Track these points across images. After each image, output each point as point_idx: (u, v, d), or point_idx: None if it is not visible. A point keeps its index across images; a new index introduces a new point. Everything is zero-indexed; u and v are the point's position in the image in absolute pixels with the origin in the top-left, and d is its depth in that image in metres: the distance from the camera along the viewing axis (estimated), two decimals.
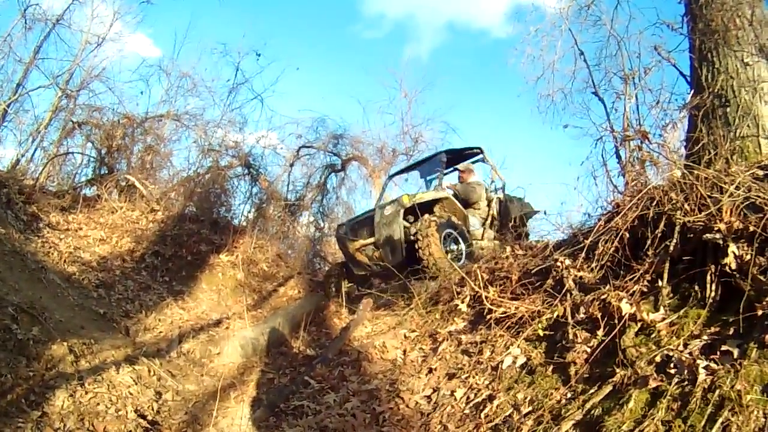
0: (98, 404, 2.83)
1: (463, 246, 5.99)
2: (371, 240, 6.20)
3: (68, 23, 10.09)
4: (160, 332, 4.69)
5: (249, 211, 10.10)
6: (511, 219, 6.40)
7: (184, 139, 10.65)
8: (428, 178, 7.59)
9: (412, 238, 5.79)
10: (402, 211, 5.96)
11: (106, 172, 8.96)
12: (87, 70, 10.05)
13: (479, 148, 7.27)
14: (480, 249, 6.29)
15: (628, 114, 4.13)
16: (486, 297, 3.26)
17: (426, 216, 5.75)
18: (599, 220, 2.93)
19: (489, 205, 6.94)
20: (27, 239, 5.17)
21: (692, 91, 3.54)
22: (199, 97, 11.17)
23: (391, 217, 6.01)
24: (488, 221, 6.76)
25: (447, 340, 3.42)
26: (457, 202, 6.43)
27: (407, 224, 6.06)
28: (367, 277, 6.63)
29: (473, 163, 7.47)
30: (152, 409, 3.00)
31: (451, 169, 7.40)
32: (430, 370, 3.19)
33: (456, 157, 7.31)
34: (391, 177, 8.71)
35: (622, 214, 2.67)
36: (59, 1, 10.30)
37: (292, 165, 10.69)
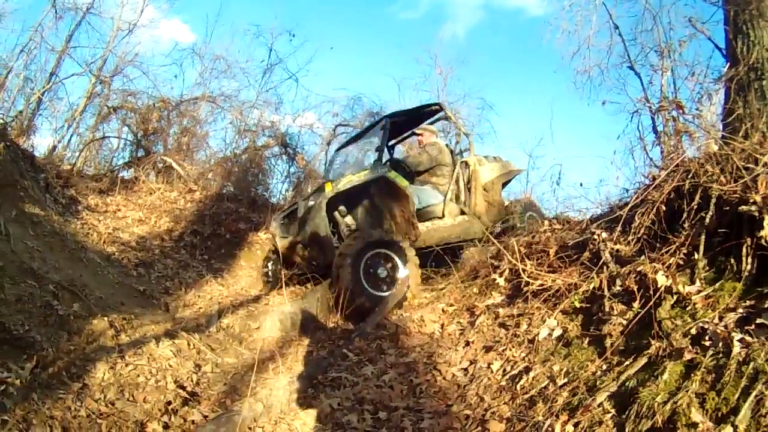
0: (138, 376, 2.93)
1: (398, 262, 4.79)
2: (300, 238, 5.37)
3: (98, 11, 10.25)
4: (200, 308, 4.83)
5: (287, 190, 10.21)
6: (480, 185, 5.78)
7: (220, 120, 11.00)
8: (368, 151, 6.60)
9: (345, 231, 5.15)
10: (324, 202, 5.03)
11: (144, 154, 9.19)
12: (120, 56, 10.20)
13: (437, 104, 6.31)
14: (434, 231, 5.43)
15: (664, 87, 4.03)
16: (523, 270, 3.29)
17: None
18: (636, 193, 2.91)
19: (456, 173, 5.88)
20: (66, 221, 5.32)
21: (728, 64, 3.44)
22: (234, 79, 11.23)
23: (314, 210, 5.11)
24: (451, 193, 5.75)
25: (484, 313, 3.46)
26: (397, 181, 5.24)
27: (345, 215, 5.28)
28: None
29: (433, 123, 6.60)
30: (191, 381, 3.10)
31: (409, 133, 6.65)
32: (468, 343, 3.26)
33: (411, 119, 6.34)
34: (337, 152, 7.24)
35: (657, 186, 2.65)
36: None
37: (329, 143, 10.76)
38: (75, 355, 2.82)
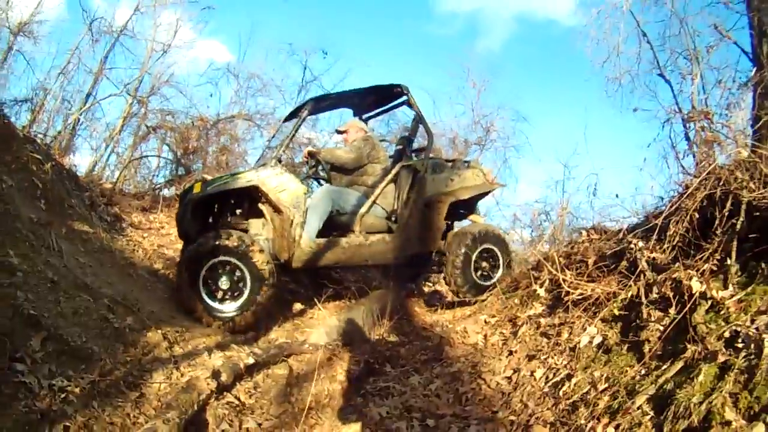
0: None
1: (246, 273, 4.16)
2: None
3: (132, 33, 10.76)
4: None
5: None
6: (424, 201, 4.82)
7: (258, 137, 10.97)
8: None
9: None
10: (190, 205, 4.38)
11: (184, 172, 9.40)
12: (155, 77, 10.63)
13: (398, 86, 4.92)
14: (334, 249, 4.56)
15: (694, 95, 4.08)
16: (563, 280, 3.38)
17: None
18: (669, 201, 2.98)
19: (392, 177, 4.85)
20: (113, 238, 5.41)
21: (754, 68, 3.47)
22: (269, 97, 11.55)
23: (183, 212, 4.50)
24: (372, 202, 4.75)
25: (526, 323, 3.56)
26: (273, 193, 4.37)
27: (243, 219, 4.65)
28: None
29: (392, 108, 5.69)
30: (244, 391, 3.21)
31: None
32: (511, 353, 3.36)
33: (358, 102, 5.45)
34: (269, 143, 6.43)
35: (690, 194, 2.73)
36: (126, 13, 11.01)
37: None
38: (131, 366, 2.89)
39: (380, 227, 4.85)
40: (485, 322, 4.01)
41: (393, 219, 4.88)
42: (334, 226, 4.71)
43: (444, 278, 5.15)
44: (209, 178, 4.80)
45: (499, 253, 5.01)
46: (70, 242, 4.04)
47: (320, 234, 4.55)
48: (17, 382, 2.20)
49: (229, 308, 4.17)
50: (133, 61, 10.95)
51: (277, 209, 4.44)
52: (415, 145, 5.66)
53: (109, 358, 2.79)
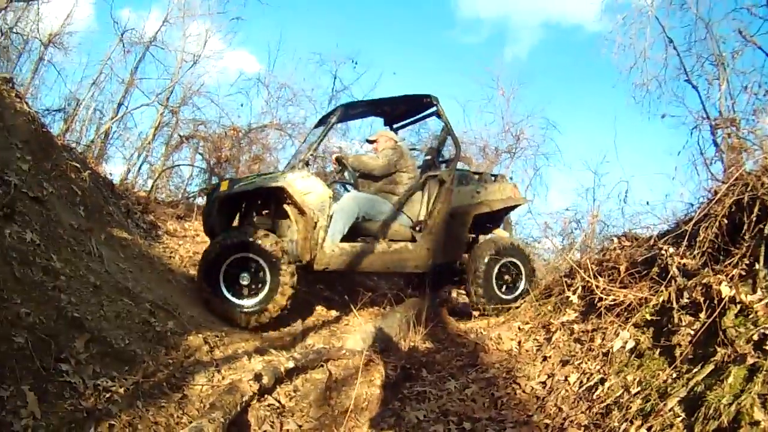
0: None
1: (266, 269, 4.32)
2: None
3: (162, 44, 11.09)
4: (284, 328, 4.93)
5: None
6: (447, 209, 4.86)
7: (289, 147, 11.17)
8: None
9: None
10: (216, 202, 4.58)
11: (217, 181, 9.58)
12: (186, 87, 10.92)
13: (428, 96, 4.99)
14: (355, 255, 4.64)
15: (722, 102, 4.09)
16: (596, 287, 3.45)
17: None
18: (699, 207, 3.03)
19: (418, 186, 4.99)
20: (150, 245, 5.55)
21: None
22: (300, 106, 11.75)
23: (210, 209, 4.69)
24: (401, 209, 4.90)
25: (560, 330, 3.63)
26: (299, 195, 4.48)
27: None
28: None
29: (421, 119, 5.85)
30: (283, 394, 3.29)
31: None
32: (545, 358, 3.43)
33: (386, 111, 5.56)
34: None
35: (718, 200, 2.78)
36: (155, 24, 11.34)
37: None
38: (174, 368, 2.98)
39: (404, 236, 4.91)
40: (519, 328, 4.08)
41: (418, 229, 4.95)
42: (359, 232, 4.80)
43: (465, 291, 5.21)
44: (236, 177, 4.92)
45: (522, 267, 5.05)
46: (110, 248, 4.17)
47: (344, 239, 4.64)
48: (63, 382, 2.31)
49: (247, 303, 4.36)
50: (163, 72, 11.32)
51: (301, 211, 4.54)
52: (447, 155, 5.76)
53: (151, 361, 2.91)
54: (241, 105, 13.33)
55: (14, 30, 10.57)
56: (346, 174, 5.25)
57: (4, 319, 2.32)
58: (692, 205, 3.42)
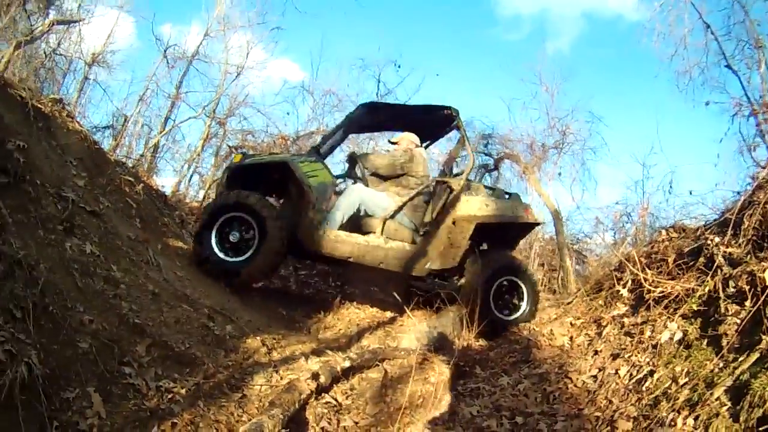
0: None
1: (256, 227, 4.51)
2: None
3: (205, 58, 11.45)
4: (339, 329, 5.02)
5: None
6: (452, 219, 4.80)
7: (337, 152, 11.20)
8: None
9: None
10: (227, 173, 4.85)
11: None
12: (232, 98, 11.17)
13: (449, 108, 5.05)
14: (350, 244, 4.73)
15: (764, 86, 3.99)
16: (645, 279, 3.48)
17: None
18: (742, 195, 3.02)
19: (423, 189, 5.00)
20: None
21: None
22: (346, 112, 11.67)
23: (221, 180, 4.95)
24: (402, 208, 4.90)
25: (611, 323, 3.66)
26: (299, 172, 4.65)
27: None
28: None
29: (441, 136, 5.99)
30: (341, 392, 3.36)
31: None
32: (596, 353, 3.48)
33: (408, 119, 5.48)
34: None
35: (761, 187, 2.77)
36: (196, 38, 11.73)
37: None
38: (233, 370, 3.08)
39: (404, 237, 4.94)
40: (571, 324, 4.13)
41: (420, 233, 4.97)
42: (360, 227, 4.90)
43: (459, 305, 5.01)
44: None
45: (523, 287, 4.91)
46: (167, 257, 4.33)
47: (343, 228, 4.77)
48: (126, 384, 2.47)
49: (230, 260, 4.53)
50: (208, 84, 11.71)
51: (302, 191, 4.68)
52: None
53: (211, 363, 3.03)
54: (288, 113, 13.48)
55: (57, 51, 11.16)
56: (357, 170, 5.33)
57: (69, 326, 2.48)
58: (738, 193, 3.40)
